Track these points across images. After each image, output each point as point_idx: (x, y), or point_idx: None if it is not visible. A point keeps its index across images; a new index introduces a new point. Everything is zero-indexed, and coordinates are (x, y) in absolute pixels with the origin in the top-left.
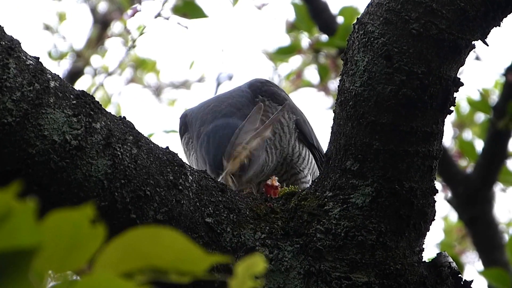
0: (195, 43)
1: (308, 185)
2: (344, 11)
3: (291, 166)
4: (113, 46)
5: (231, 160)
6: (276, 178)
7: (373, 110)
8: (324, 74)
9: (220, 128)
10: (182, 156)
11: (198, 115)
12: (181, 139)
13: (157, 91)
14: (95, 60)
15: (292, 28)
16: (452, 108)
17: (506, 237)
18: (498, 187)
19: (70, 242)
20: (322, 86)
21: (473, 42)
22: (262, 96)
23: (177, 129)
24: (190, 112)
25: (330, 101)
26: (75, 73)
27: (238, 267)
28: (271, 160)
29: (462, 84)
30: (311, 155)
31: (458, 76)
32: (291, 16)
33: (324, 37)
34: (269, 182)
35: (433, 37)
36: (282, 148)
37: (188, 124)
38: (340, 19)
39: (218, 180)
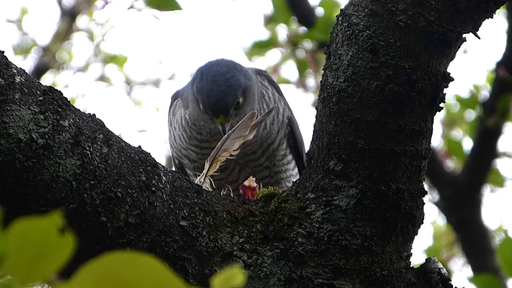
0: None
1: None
2: (324, 2)
3: (274, 162)
4: (82, 40)
5: (213, 164)
6: (254, 178)
7: (357, 107)
8: (302, 69)
9: (213, 64)
10: (155, 155)
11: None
12: (169, 115)
13: (129, 88)
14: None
15: (269, 20)
16: (441, 104)
17: (496, 241)
18: (487, 189)
19: (37, 252)
20: (301, 82)
21: (464, 35)
22: (261, 75)
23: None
24: (182, 88)
25: (309, 98)
26: (41, 69)
27: (215, 280)
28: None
29: (452, 79)
30: (296, 166)
31: (448, 71)
32: (269, 8)
33: (302, 30)
34: (246, 183)
35: (421, 29)
36: (269, 131)
37: (180, 95)
38: (319, 11)
39: (196, 180)
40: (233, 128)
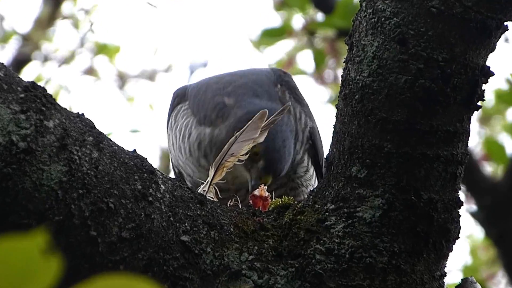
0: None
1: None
2: None
3: (292, 178)
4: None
5: (219, 171)
6: (265, 187)
7: (384, 105)
8: (320, 60)
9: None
10: (152, 160)
11: (209, 87)
12: (170, 115)
13: (121, 82)
14: (46, 44)
15: (281, 5)
16: (480, 103)
17: None
18: None
19: (18, 277)
20: (318, 75)
21: (505, 23)
22: (282, 85)
23: (169, 105)
24: (191, 86)
25: (327, 93)
26: (21, 60)
27: None
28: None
29: (492, 74)
30: (316, 179)
31: (487, 64)
32: None
33: (320, 16)
34: (256, 192)
35: (456, 16)
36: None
37: (188, 96)
38: None
39: (200, 188)
40: (242, 130)
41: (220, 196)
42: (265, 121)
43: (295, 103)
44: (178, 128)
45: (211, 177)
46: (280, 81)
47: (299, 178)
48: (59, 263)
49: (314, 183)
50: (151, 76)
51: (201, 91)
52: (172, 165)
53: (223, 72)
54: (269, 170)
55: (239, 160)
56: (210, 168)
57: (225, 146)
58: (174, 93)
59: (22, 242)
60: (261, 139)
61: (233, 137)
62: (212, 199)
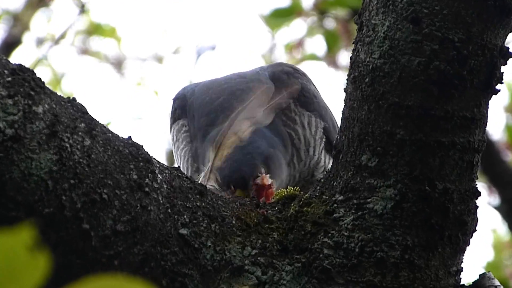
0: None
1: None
2: None
3: (308, 180)
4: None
5: (218, 152)
6: (268, 175)
7: (396, 89)
8: (332, 43)
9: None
10: (151, 149)
11: (202, 104)
12: (172, 125)
13: (118, 64)
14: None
15: None
16: (498, 86)
17: None
18: None
19: (2, 275)
20: (331, 58)
21: None
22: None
23: (170, 112)
24: (191, 94)
25: (341, 77)
26: (10, 43)
27: None
28: (293, 171)
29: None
30: None
31: (506, 44)
32: None
33: None
34: (258, 181)
35: None
36: (305, 161)
37: (187, 108)
38: None
39: (200, 178)
40: (244, 106)
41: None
42: (271, 100)
43: (301, 109)
44: (179, 148)
45: (211, 162)
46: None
47: (318, 175)
48: (47, 261)
49: None
50: (158, 58)
51: (196, 107)
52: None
53: (221, 77)
54: (235, 185)
55: (241, 141)
56: (210, 151)
57: (225, 124)
58: (174, 101)
59: (7, 238)
60: (268, 121)
61: (234, 113)
62: (213, 188)
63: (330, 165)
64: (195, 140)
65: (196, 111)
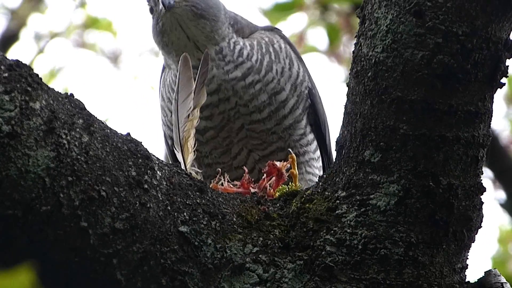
0: None
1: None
2: None
3: (289, 143)
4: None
5: (184, 147)
6: (289, 165)
7: (399, 83)
8: (334, 36)
9: None
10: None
11: None
12: (160, 83)
13: (114, 58)
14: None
15: None
16: (504, 80)
17: None
18: None
19: None
20: (332, 51)
21: None
22: (282, 38)
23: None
24: None
25: (343, 71)
26: (8, 38)
27: None
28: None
29: None
30: (317, 148)
31: (511, 38)
32: None
33: None
34: (278, 163)
35: None
36: (278, 81)
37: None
38: None
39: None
40: (176, 90)
41: (202, 180)
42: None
43: (288, 48)
44: (166, 90)
45: (183, 160)
46: (269, 29)
47: (294, 142)
48: None
49: (314, 151)
50: (155, 52)
51: None
52: (165, 138)
53: None
54: None
55: (197, 122)
56: (176, 152)
57: (173, 118)
58: (162, 69)
59: (6, 281)
60: (203, 98)
61: (174, 102)
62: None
63: (310, 136)
64: None
65: None
